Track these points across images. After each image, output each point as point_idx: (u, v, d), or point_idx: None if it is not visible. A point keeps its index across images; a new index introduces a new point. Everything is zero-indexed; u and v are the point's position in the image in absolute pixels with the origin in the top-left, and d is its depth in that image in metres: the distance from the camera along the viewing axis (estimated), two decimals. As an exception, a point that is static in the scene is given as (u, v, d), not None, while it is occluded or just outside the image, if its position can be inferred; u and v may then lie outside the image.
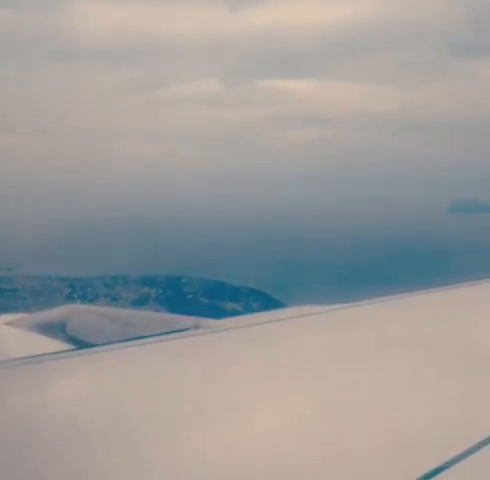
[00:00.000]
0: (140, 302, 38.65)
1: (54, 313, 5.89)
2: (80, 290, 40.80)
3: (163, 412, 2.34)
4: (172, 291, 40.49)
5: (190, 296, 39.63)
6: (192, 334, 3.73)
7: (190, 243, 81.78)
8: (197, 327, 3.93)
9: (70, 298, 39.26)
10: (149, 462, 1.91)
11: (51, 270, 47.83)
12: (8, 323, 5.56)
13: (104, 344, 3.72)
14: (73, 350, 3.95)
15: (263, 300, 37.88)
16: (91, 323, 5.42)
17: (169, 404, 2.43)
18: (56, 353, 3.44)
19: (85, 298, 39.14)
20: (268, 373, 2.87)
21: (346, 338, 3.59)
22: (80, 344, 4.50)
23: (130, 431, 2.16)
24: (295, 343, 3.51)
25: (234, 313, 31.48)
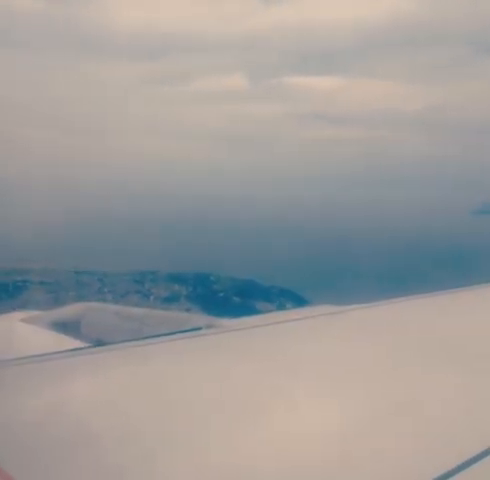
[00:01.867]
0: (171, 299, 38.49)
1: (69, 311, 6.00)
2: (109, 285, 40.67)
3: (176, 412, 2.34)
4: (202, 289, 40.21)
5: (221, 295, 39.32)
6: (205, 333, 3.74)
7: (214, 241, 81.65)
8: (210, 326, 3.92)
9: (100, 293, 39.21)
10: (165, 463, 1.91)
11: (80, 264, 47.92)
12: (23, 320, 5.64)
13: (117, 342, 3.78)
14: (86, 348, 4.05)
15: (295, 300, 37.49)
16: (105, 321, 5.51)
17: (183, 404, 2.43)
18: (69, 351, 3.49)
19: (115, 293, 39.04)
20: (281, 374, 2.83)
21: (364, 339, 3.56)
22: (94, 342, 4.60)
23: (142, 430, 2.16)
24: (310, 344, 3.49)
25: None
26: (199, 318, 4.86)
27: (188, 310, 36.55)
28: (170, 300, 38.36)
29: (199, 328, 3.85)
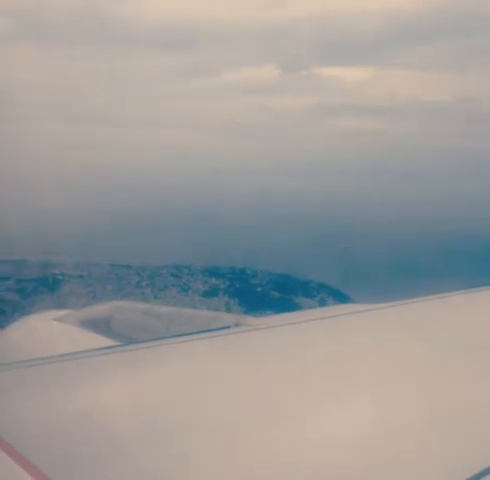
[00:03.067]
0: (210, 293, 38.43)
1: (99, 309, 6.14)
2: (147, 279, 40.74)
3: (208, 411, 2.35)
4: (240, 283, 40.05)
5: (260, 289, 39.12)
6: (233, 332, 3.78)
7: (245, 236, 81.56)
8: (239, 325, 3.95)
9: (139, 286, 39.32)
10: (202, 463, 1.91)
11: (114, 258, 48.11)
12: (55, 319, 5.80)
13: (145, 341, 3.86)
14: (116, 346, 4.12)
15: (334, 295, 37.24)
16: (134, 320, 5.61)
17: (214, 402, 2.44)
18: (100, 349, 3.57)
19: (154, 287, 39.11)
20: (307, 374, 2.83)
21: (395, 337, 3.54)
22: (123, 341, 4.68)
23: (172, 428, 2.18)
24: (334, 343, 3.47)
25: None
26: (227, 316, 4.84)
27: (227, 304, 36.60)
28: (209, 294, 38.31)
29: (227, 327, 3.88)
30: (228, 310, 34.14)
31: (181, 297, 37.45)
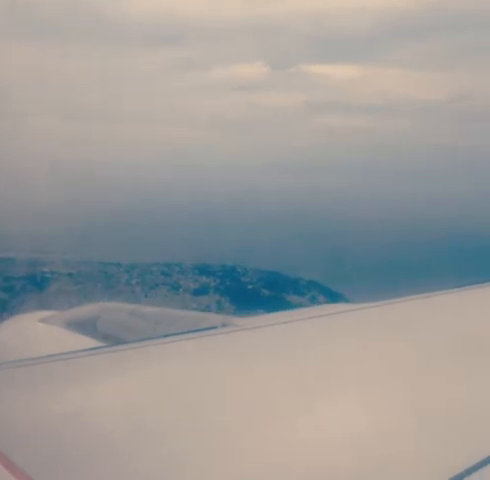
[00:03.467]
0: (201, 292, 38.28)
1: (85, 310, 6.11)
2: (137, 277, 40.50)
3: (194, 411, 2.31)
4: (231, 281, 39.94)
5: (250, 287, 39.04)
6: (220, 332, 3.73)
7: (234, 233, 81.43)
8: (226, 325, 3.91)
9: (128, 285, 39.09)
10: (192, 463, 1.88)
11: (104, 256, 47.81)
12: (41, 320, 5.71)
13: (132, 341, 3.84)
14: (102, 347, 4.07)
15: (325, 293, 37.20)
16: (121, 321, 5.57)
17: (202, 403, 2.39)
18: (86, 350, 3.53)
19: (144, 285, 38.90)
20: (293, 374, 2.77)
21: (383, 337, 3.51)
22: (109, 341, 4.66)
23: (160, 429, 2.14)
24: (320, 343, 3.43)
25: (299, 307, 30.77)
26: (214, 317, 4.86)
27: (218, 303, 36.50)
28: (200, 292, 38.16)
29: (214, 327, 3.83)
30: (219, 309, 34.05)
31: (172, 296, 37.31)
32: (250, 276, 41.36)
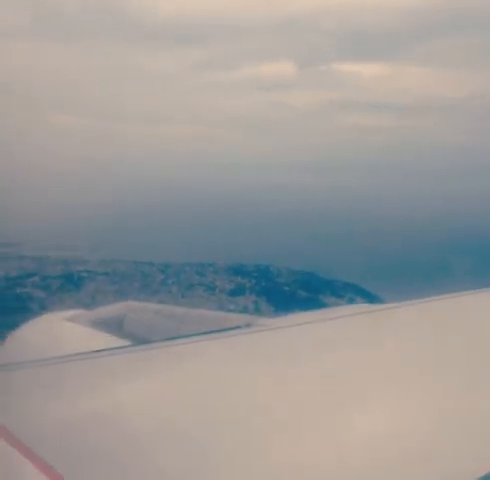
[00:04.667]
0: (237, 292, 38.14)
1: (111, 310, 6.10)
2: (172, 277, 40.51)
3: (222, 414, 2.31)
4: (266, 282, 39.73)
5: (287, 288, 38.79)
6: (243, 332, 3.73)
7: (265, 233, 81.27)
8: (249, 325, 3.88)
9: (165, 284, 39.12)
10: (218, 465, 1.91)
11: (137, 255, 47.93)
12: (68, 319, 5.75)
13: (158, 341, 3.88)
14: (127, 347, 4.11)
15: (362, 295, 36.81)
16: (147, 320, 5.56)
17: (229, 405, 2.40)
18: (113, 349, 3.57)
19: (180, 285, 38.90)
20: (321, 377, 2.74)
21: (405, 338, 3.42)
22: (135, 341, 4.65)
23: (186, 428, 2.16)
24: (346, 345, 3.37)
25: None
26: (240, 317, 4.83)
27: (255, 303, 36.33)
28: (236, 293, 38.01)
29: (238, 327, 3.85)
30: (256, 310, 33.83)
31: (208, 296, 37.19)
32: (285, 277, 41.12)
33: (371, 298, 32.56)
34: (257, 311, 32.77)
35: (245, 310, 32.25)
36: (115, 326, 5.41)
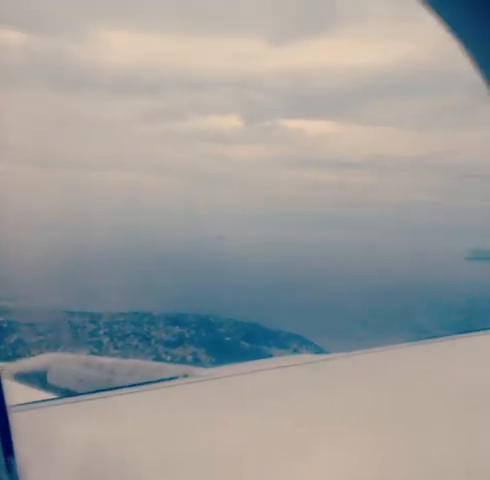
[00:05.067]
0: (175, 343, 36.15)
1: (35, 361, 6.04)
2: (105, 327, 38.08)
3: (157, 459, 2.47)
4: (206, 332, 37.89)
5: (228, 339, 37.00)
6: (180, 383, 3.86)
7: (205, 282, 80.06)
8: (186, 376, 4.02)
9: (95, 335, 36.74)
10: None
11: (69, 304, 45.46)
12: None
13: (84, 393, 3.82)
14: (51, 400, 4.05)
15: (308, 346, 35.67)
16: (74, 372, 5.50)
17: (162, 451, 2.55)
18: (33, 403, 3.61)
19: (113, 336, 36.62)
20: (256, 423, 3.03)
21: (343, 388, 3.73)
22: (62, 393, 4.76)
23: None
24: (285, 393, 3.61)
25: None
26: (176, 368, 4.89)
27: (194, 354, 34.48)
28: (174, 344, 36.02)
29: (175, 378, 4.40)
30: (195, 361, 32.26)
31: (144, 347, 35.18)
32: (226, 327, 39.47)
33: (316, 349, 32.68)
34: (196, 362, 31.21)
35: (183, 361, 30.77)
36: (38, 379, 5.50)
